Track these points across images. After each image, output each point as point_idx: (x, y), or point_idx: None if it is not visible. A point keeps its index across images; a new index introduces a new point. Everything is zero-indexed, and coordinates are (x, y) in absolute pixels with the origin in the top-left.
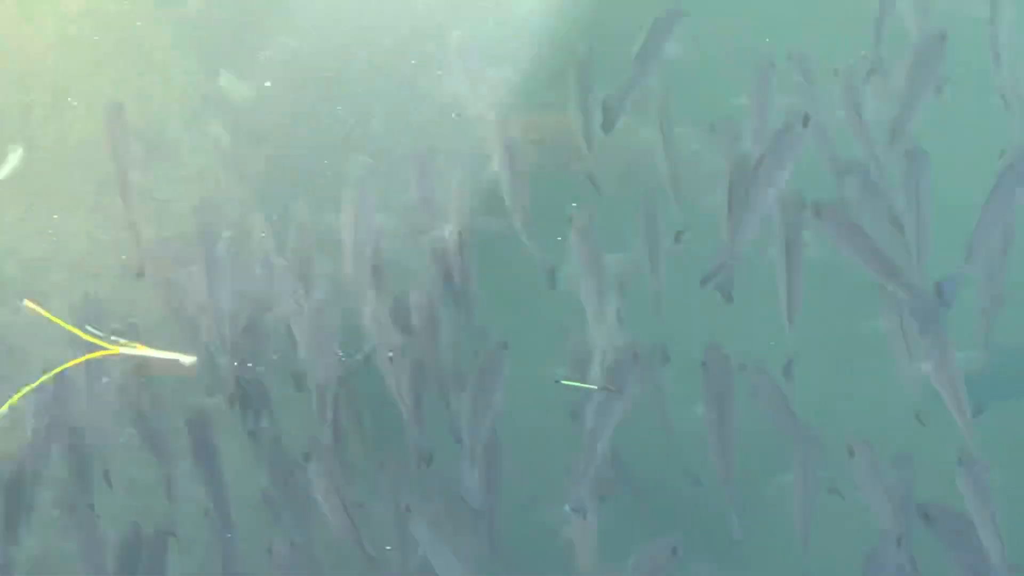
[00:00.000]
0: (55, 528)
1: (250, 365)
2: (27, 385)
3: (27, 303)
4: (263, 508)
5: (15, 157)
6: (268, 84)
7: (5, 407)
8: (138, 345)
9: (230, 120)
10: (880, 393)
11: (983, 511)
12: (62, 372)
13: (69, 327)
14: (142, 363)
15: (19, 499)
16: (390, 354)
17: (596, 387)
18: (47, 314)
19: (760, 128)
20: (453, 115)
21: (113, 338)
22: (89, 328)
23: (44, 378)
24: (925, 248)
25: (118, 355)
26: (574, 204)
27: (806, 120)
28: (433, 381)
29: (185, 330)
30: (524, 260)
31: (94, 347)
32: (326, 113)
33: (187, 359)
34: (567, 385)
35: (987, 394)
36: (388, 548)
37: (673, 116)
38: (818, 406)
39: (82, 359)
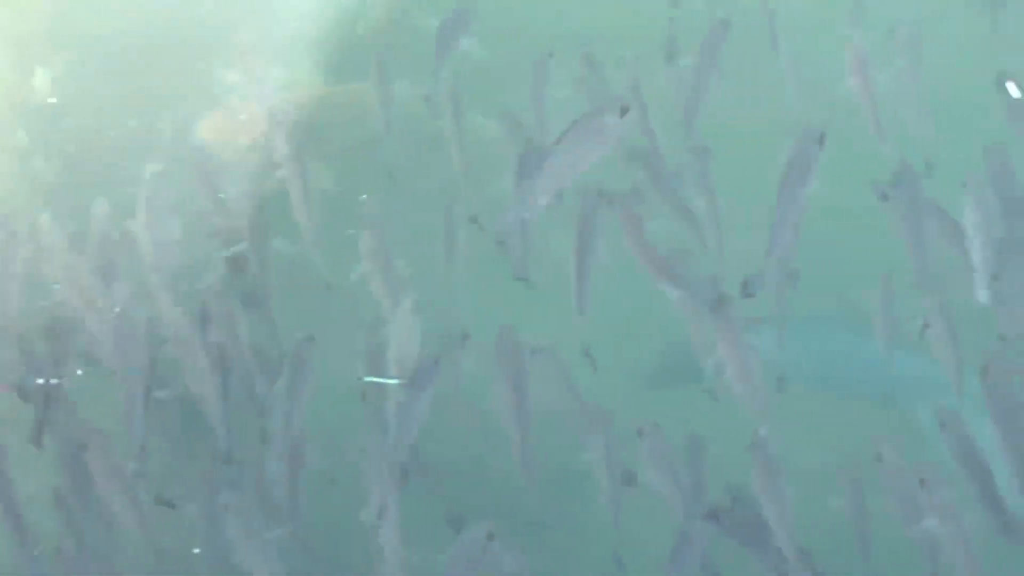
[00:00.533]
0: None
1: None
2: None
3: None
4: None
5: None
6: (53, 100)
7: None
8: None
9: (27, 125)
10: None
11: (773, 496)
12: None
13: None
14: None
15: None
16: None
17: (396, 381)
18: None
19: (539, 118)
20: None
21: None
22: None
23: None
24: (719, 237)
25: None
26: (363, 196)
27: (624, 111)
28: (234, 379)
29: None
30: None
31: None
32: (118, 121)
33: None
34: (368, 381)
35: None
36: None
37: (463, 107)
38: (614, 391)
39: None
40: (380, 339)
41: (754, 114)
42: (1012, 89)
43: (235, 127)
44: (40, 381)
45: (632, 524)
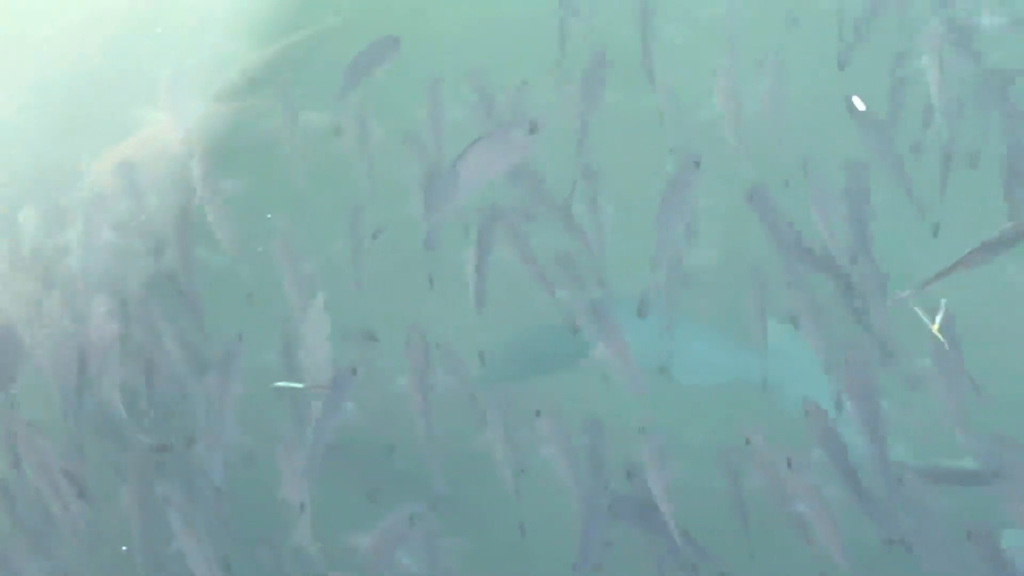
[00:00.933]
0: None
1: None
2: None
3: None
4: None
5: None
6: None
7: None
8: None
9: None
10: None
11: (660, 484)
12: None
13: None
14: None
15: None
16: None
17: (303, 385)
18: None
19: (436, 139)
20: None
21: None
22: None
23: None
24: (603, 254)
25: None
26: (269, 215)
27: (534, 127)
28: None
29: None
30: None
31: None
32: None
33: None
34: (281, 387)
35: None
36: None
37: (370, 128)
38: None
39: None
40: (294, 334)
41: (640, 134)
42: (858, 103)
43: (154, 151)
44: None
45: (536, 497)
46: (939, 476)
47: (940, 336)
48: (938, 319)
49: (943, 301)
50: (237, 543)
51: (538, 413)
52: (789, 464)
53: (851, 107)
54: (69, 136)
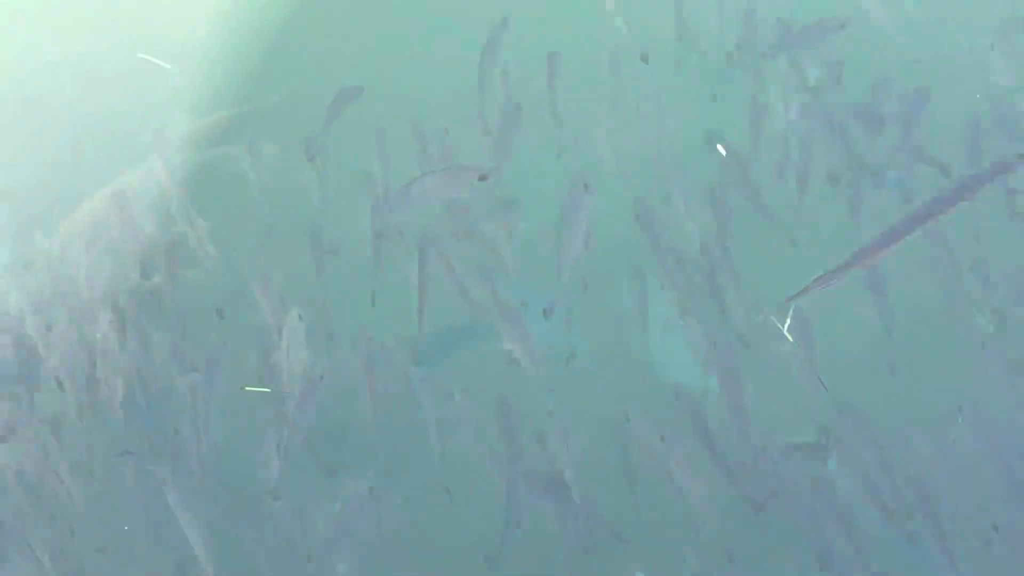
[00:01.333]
0: None
1: None
2: None
3: None
4: None
5: None
6: None
7: None
8: None
9: None
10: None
11: (565, 459)
12: None
13: None
14: None
15: None
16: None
17: (269, 390)
18: None
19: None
20: None
21: None
22: None
23: None
24: (519, 270)
25: None
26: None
27: (484, 176)
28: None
29: None
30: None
31: None
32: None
33: None
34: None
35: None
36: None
37: (328, 163)
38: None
39: None
40: (275, 343)
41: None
42: (720, 149)
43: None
44: None
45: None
46: (790, 450)
47: (789, 336)
48: (787, 321)
49: (791, 307)
50: (222, 515)
51: (453, 396)
52: (662, 439)
53: (717, 152)
54: (69, 174)
